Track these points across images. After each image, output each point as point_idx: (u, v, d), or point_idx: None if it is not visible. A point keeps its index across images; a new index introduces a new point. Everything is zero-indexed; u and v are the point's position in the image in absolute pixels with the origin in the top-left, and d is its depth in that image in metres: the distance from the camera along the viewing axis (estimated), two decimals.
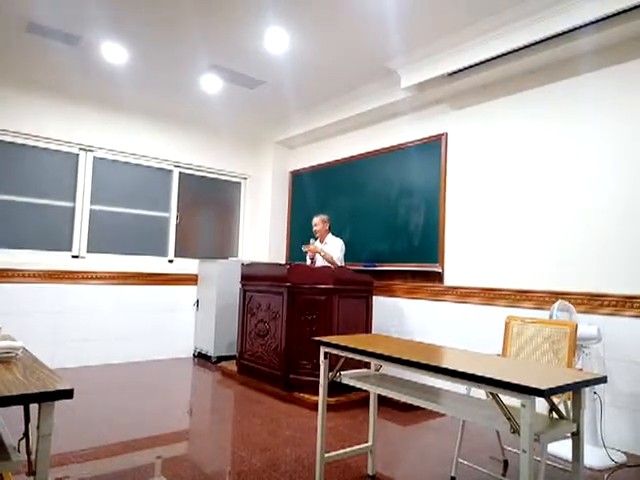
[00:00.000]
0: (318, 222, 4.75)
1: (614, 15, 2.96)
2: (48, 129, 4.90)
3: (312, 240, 4.70)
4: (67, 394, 1.38)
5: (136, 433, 3.13)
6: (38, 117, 4.84)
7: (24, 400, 1.33)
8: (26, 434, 1.63)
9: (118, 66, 4.55)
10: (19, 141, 4.80)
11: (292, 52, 4.13)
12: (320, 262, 4.61)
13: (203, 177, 6.19)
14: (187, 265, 5.90)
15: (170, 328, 5.67)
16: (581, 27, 3.11)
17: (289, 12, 3.51)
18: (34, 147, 4.89)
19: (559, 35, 3.23)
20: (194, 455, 2.82)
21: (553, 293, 3.48)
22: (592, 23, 3.06)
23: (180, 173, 5.95)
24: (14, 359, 1.77)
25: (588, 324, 3.06)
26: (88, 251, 5.17)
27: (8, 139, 4.73)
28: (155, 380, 4.71)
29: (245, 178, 6.57)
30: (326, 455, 2.44)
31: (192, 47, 4.12)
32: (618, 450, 3.00)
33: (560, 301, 3.14)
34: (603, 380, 1.82)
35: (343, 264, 4.62)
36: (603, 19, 3.01)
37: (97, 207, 5.26)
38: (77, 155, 5.15)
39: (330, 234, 4.76)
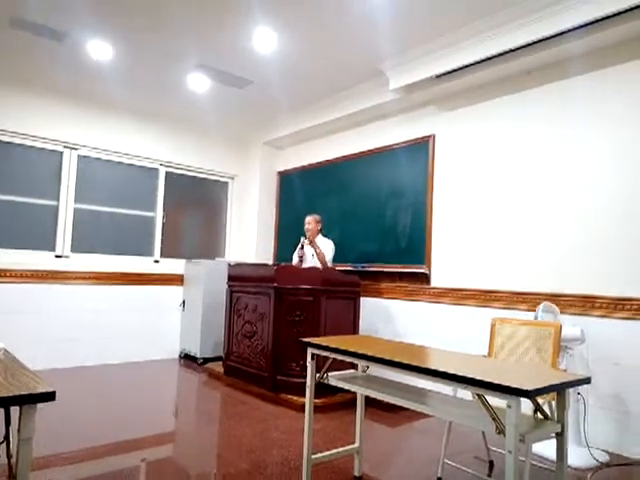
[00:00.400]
0: (311, 221, 4.74)
1: (607, 18, 2.97)
2: (32, 126, 4.82)
3: (302, 238, 4.69)
4: (49, 396, 1.35)
5: (120, 435, 3.09)
6: (21, 114, 4.76)
7: (4, 403, 1.31)
8: (7, 437, 1.60)
9: (104, 63, 4.49)
10: (2, 138, 4.71)
11: (280, 52, 4.12)
12: (309, 262, 4.61)
13: (190, 176, 6.15)
14: (173, 265, 5.84)
15: (156, 329, 5.61)
16: (572, 30, 3.13)
17: (277, 12, 3.50)
18: (17, 144, 4.80)
19: (549, 38, 3.25)
20: (179, 457, 2.79)
21: (541, 294, 3.51)
22: (583, 26, 3.08)
23: (167, 172, 5.90)
24: None
25: (572, 325, 3.09)
26: (72, 251, 5.10)
27: None
28: (140, 381, 4.65)
29: (232, 178, 6.54)
30: (313, 457, 2.43)
31: (179, 45, 4.09)
32: (601, 450, 3.04)
33: (544, 302, 3.18)
34: (587, 381, 1.84)
35: (332, 265, 4.63)
36: (594, 22, 3.03)
37: (82, 206, 5.19)
38: (61, 153, 5.08)
39: (320, 235, 4.76)
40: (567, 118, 3.55)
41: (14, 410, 1.39)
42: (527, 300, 3.60)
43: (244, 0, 3.36)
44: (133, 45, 4.12)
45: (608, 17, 2.96)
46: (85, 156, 5.23)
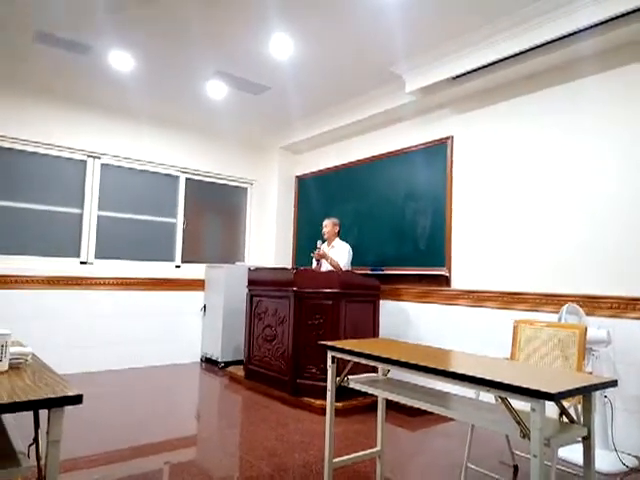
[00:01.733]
0: (329, 224, 4.75)
1: (615, 18, 2.95)
2: (56, 136, 4.95)
3: (319, 242, 4.70)
4: (76, 400, 1.38)
5: (144, 438, 3.14)
6: (46, 124, 4.89)
7: (33, 406, 1.34)
8: (36, 440, 1.64)
9: (125, 73, 4.59)
10: (28, 149, 4.84)
11: (297, 58, 4.14)
12: (326, 265, 4.60)
13: (209, 183, 6.22)
14: (194, 270, 5.92)
15: (177, 333, 5.68)
16: (582, 31, 3.11)
17: (294, 18, 3.53)
18: (42, 154, 4.93)
19: (561, 38, 3.23)
20: (202, 461, 2.81)
21: (562, 296, 3.45)
22: (594, 26, 3.06)
23: (187, 179, 5.98)
24: (24, 365, 1.78)
25: (597, 327, 3.03)
26: (96, 257, 5.21)
27: (17, 147, 4.78)
28: (163, 385, 4.71)
29: (251, 183, 6.59)
30: (334, 460, 2.43)
31: (198, 54, 4.15)
32: (629, 454, 2.96)
33: (569, 304, 3.11)
34: (613, 384, 1.80)
35: (350, 269, 4.61)
36: (604, 22, 3.01)
37: (105, 213, 5.30)
38: (85, 162, 5.20)
39: (338, 238, 4.76)
40: (575, 120, 3.53)
41: (43, 413, 1.42)
42: (551, 302, 3.54)
43: (261, 7, 3.40)
44: (153, 55, 4.20)
45: (618, 17, 2.93)
46: (108, 164, 5.35)
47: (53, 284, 4.85)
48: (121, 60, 4.28)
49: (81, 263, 5.12)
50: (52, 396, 1.36)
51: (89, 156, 5.21)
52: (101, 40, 3.96)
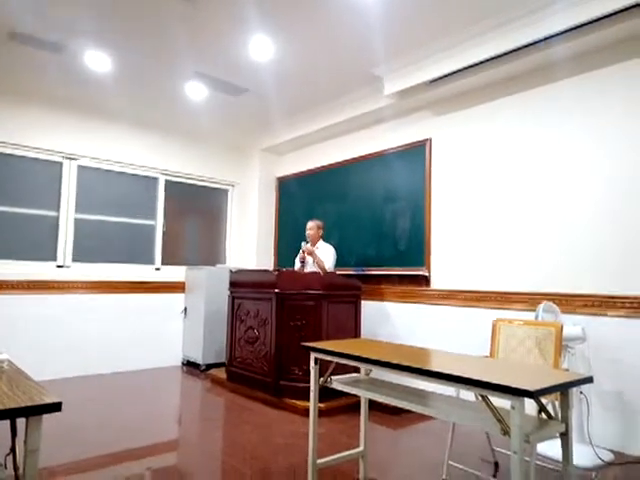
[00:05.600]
0: (313, 226, 4.76)
1: (591, 22, 3.04)
2: (31, 137, 4.84)
3: (304, 244, 4.71)
4: (55, 407, 1.36)
5: (125, 444, 3.09)
6: (21, 125, 4.77)
7: (10, 414, 1.31)
8: (13, 449, 1.60)
9: (102, 74, 4.51)
10: (1, 150, 4.72)
11: (277, 60, 4.14)
12: (311, 267, 4.61)
13: (189, 184, 6.16)
14: (174, 273, 5.85)
15: (158, 337, 5.61)
16: (556, 35, 3.19)
17: (273, 20, 3.52)
18: (16, 156, 4.81)
19: (536, 43, 3.30)
20: (184, 465, 2.79)
21: (538, 294, 3.52)
22: (567, 31, 3.15)
23: (166, 181, 5.91)
24: None
25: (572, 324, 3.10)
26: (73, 260, 5.11)
27: None
28: (143, 389, 4.65)
29: (232, 185, 6.55)
30: (318, 461, 2.43)
31: (176, 55, 4.11)
32: (605, 448, 3.04)
33: (545, 302, 3.18)
34: (589, 380, 1.84)
35: (334, 270, 4.62)
36: (576, 27, 3.10)
37: (82, 216, 5.20)
38: (61, 164, 5.09)
39: (321, 240, 4.77)
40: (552, 122, 3.62)
41: (20, 421, 1.39)
42: (527, 300, 3.61)
43: (240, 9, 3.38)
44: (130, 55, 4.14)
45: (592, 21, 3.02)
46: (85, 166, 5.25)
47: (28, 289, 4.74)
48: (97, 60, 4.21)
49: (58, 267, 5.01)
50: (29, 404, 1.33)
51: (65, 157, 5.11)
52: (76, 39, 3.88)
